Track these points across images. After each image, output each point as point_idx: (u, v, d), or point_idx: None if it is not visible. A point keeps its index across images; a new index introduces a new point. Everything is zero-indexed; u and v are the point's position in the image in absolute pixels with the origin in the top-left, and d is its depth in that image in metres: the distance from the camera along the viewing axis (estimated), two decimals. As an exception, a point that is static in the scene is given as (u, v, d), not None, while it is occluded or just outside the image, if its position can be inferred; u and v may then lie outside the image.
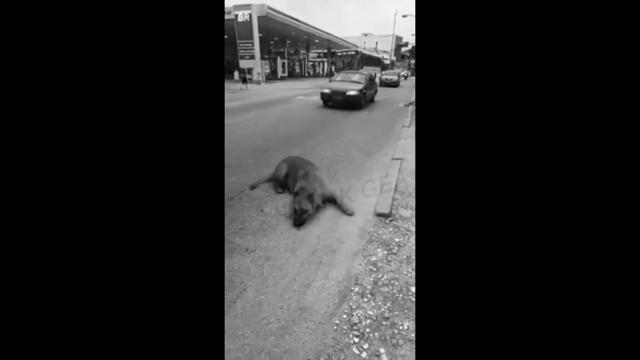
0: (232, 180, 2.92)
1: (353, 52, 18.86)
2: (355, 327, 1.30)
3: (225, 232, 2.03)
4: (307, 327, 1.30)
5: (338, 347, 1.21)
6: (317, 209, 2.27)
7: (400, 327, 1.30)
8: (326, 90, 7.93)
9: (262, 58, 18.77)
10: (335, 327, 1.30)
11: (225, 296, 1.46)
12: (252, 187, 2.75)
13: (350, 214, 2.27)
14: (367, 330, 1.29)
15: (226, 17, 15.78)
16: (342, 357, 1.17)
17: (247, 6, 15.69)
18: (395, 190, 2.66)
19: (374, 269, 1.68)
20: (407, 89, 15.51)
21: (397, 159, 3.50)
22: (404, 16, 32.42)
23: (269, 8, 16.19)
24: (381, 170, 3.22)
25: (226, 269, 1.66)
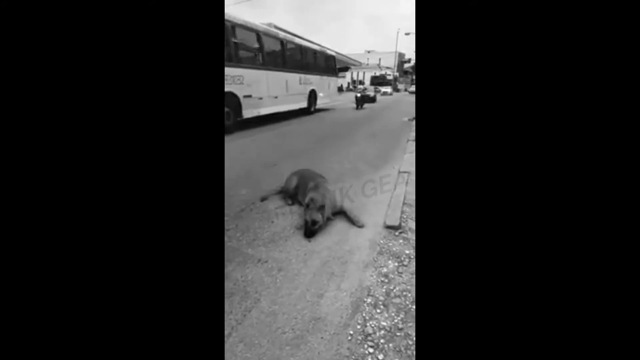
0: (242, 192, 2.97)
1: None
2: (369, 338, 1.31)
3: (238, 243, 2.06)
4: (322, 337, 1.31)
5: (353, 357, 1.22)
6: (327, 220, 2.30)
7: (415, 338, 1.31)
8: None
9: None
10: (349, 338, 1.31)
11: (240, 305, 1.48)
12: (263, 199, 2.80)
13: (361, 226, 2.30)
14: (382, 341, 1.30)
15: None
16: (358, 368, 1.18)
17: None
18: (404, 203, 2.69)
19: (386, 281, 1.69)
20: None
21: (404, 172, 3.54)
22: (407, 34, 33.27)
23: (275, 27, 16.73)
24: (389, 185, 3.26)
25: (240, 279, 1.68)
